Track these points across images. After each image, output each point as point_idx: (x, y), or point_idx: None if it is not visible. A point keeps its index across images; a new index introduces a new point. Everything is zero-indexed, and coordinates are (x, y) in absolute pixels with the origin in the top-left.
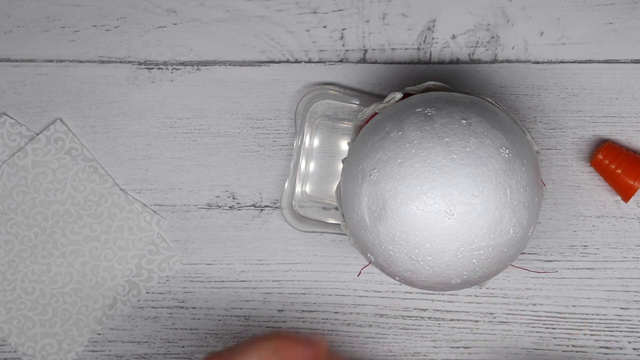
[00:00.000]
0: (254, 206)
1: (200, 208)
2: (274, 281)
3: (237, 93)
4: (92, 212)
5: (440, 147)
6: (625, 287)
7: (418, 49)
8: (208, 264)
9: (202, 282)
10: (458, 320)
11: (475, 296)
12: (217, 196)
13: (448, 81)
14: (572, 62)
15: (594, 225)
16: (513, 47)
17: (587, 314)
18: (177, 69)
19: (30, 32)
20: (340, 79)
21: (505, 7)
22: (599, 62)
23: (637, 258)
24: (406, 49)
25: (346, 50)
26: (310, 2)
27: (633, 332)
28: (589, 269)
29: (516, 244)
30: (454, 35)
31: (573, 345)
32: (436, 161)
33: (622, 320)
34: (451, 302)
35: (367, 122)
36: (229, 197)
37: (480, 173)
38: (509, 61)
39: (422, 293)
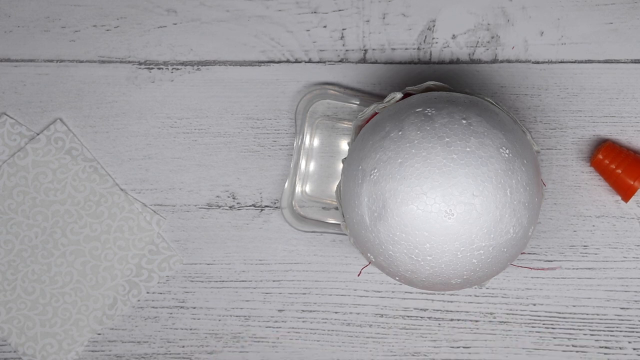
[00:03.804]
0: (254, 206)
1: (200, 208)
2: (274, 281)
3: (237, 93)
4: (92, 212)
5: (441, 147)
6: (625, 287)
7: (418, 49)
8: (208, 264)
9: (202, 282)
10: (458, 320)
11: (475, 296)
12: (217, 196)
13: (448, 81)
14: (572, 62)
15: (594, 225)
16: (513, 47)
17: (587, 314)
18: (177, 69)
19: (31, 32)
20: (340, 79)
21: (505, 7)
22: (599, 62)
23: (637, 258)
24: (406, 49)
25: (346, 50)
26: (310, 2)
27: (633, 332)
28: (589, 269)
29: (516, 244)
30: (454, 35)
31: (573, 345)
32: (436, 161)
33: (622, 320)
34: (451, 302)
35: (367, 122)
36: (229, 197)
37: (480, 173)
38: (509, 61)
39: (422, 293)
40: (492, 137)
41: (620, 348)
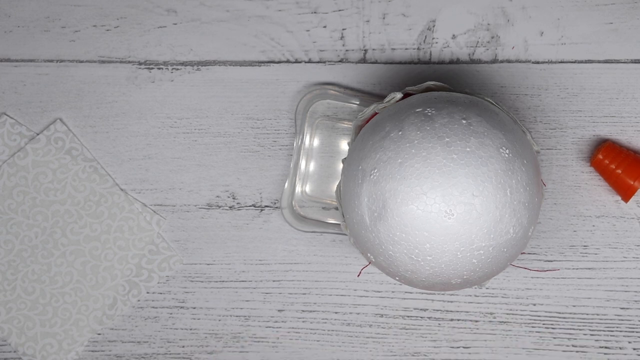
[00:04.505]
0: (254, 206)
1: (200, 208)
2: (274, 281)
3: (237, 93)
4: (92, 212)
5: (441, 147)
6: (625, 287)
7: (418, 49)
8: (208, 264)
9: (202, 282)
10: (458, 320)
11: (475, 296)
12: (217, 196)
13: (448, 81)
14: (572, 62)
15: (594, 225)
16: (513, 47)
17: (587, 314)
18: (177, 69)
19: (31, 32)
20: (340, 79)
21: (505, 7)
22: (599, 62)
23: (637, 258)
24: (406, 49)
25: (346, 50)
26: (310, 2)
27: (633, 332)
28: (589, 269)
29: (516, 244)
30: (454, 35)
31: (573, 345)
32: (436, 161)
33: (622, 320)
34: (451, 302)
35: (367, 122)
36: (229, 197)
37: (480, 173)
38: (509, 61)
39: (422, 293)
40: (492, 137)
41: (620, 348)
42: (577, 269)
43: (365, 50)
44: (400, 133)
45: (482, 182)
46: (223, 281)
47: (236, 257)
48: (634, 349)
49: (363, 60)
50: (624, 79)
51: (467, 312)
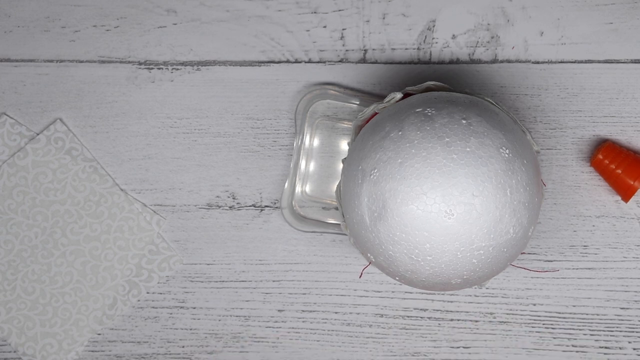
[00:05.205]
0: (254, 206)
1: (200, 208)
2: (274, 281)
3: (237, 93)
4: (92, 212)
5: (440, 147)
6: (625, 287)
7: (418, 49)
8: (208, 264)
9: (202, 282)
10: (458, 320)
11: (475, 296)
12: (217, 196)
13: (448, 81)
14: (572, 62)
15: (594, 225)
16: (513, 47)
17: (587, 314)
18: (177, 69)
19: (31, 32)
20: (340, 79)
21: (505, 7)
22: (599, 62)
23: (637, 258)
24: (406, 49)
25: (346, 50)
26: (310, 2)
27: (633, 332)
28: (589, 269)
29: (516, 244)
30: (454, 35)
31: (573, 345)
32: (436, 161)
33: (622, 320)
34: (451, 302)
35: (367, 122)
36: (229, 197)
37: (480, 173)
38: (509, 61)
39: (422, 293)
40: (492, 137)
41: (620, 348)
42: (577, 269)
43: (365, 50)
44: (400, 133)
45: (482, 182)
46: (223, 281)
47: (236, 257)
48: (634, 349)
49: (363, 60)
50: (624, 79)
51: (467, 312)
